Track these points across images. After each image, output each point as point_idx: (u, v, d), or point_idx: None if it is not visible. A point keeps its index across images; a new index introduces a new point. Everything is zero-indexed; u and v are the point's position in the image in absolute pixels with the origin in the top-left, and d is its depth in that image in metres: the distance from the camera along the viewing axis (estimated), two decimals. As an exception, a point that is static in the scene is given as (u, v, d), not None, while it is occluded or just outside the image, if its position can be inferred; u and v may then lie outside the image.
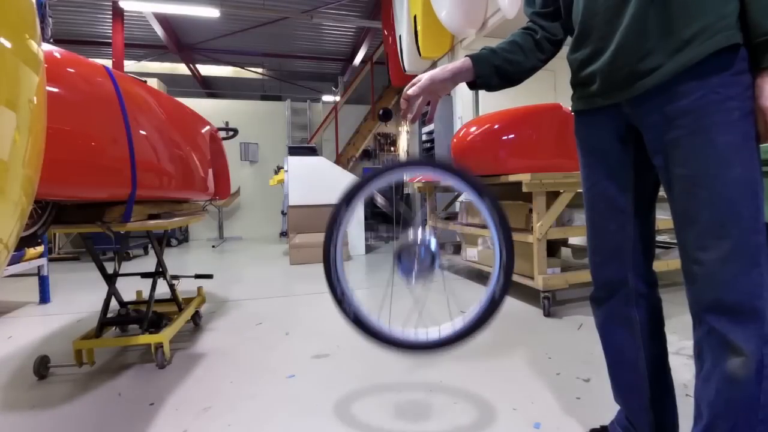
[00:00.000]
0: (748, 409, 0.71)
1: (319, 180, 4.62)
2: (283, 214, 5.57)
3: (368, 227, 5.86)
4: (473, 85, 0.98)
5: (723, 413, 0.73)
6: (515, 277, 2.47)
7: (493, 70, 0.95)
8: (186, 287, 3.05)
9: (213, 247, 6.42)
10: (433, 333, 0.92)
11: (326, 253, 0.89)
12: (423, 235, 0.90)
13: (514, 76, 0.98)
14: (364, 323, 0.92)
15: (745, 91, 0.70)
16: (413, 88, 0.95)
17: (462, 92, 4.57)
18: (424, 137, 5.60)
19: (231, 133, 2.79)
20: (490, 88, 0.99)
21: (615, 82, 0.81)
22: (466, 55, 0.96)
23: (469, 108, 4.52)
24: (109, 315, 1.79)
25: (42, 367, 1.60)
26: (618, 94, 0.82)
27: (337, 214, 0.88)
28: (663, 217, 2.40)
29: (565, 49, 0.96)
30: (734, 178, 0.70)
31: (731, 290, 0.71)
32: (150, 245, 5.38)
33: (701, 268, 0.73)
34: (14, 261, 2.56)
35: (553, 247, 2.59)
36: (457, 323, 0.91)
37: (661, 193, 0.89)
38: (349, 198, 0.88)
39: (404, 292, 0.89)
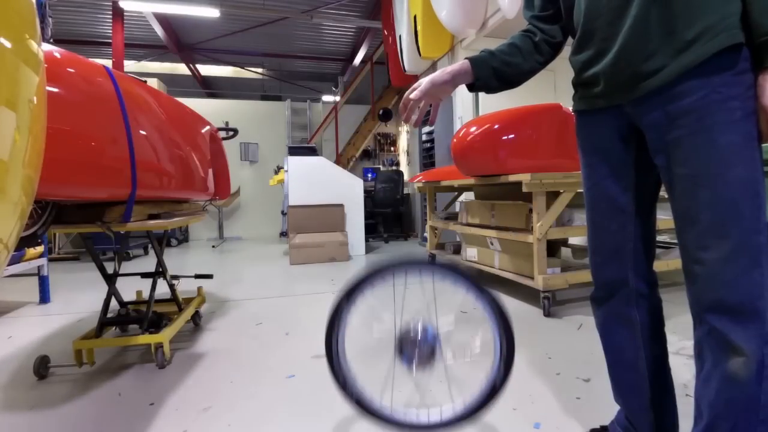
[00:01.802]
0: (748, 409, 0.71)
1: (319, 180, 4.62)
2: (283, 214, 5.57)
3: (368, 228, 5.86)
4: (472, 87, 0.99)
5: (723, 413, 0.73)
6: (515, 277, 2.47)
7: (491, 72, 0.96)
8: (186, 287, 3.06)
9: (213, 247, 6.42)
10: (435, 415, 0.94)
11: (328, 343, 0.91)
12: (423, 327, 0.91)
13: (513, 78, 0.98)
14: (366, 406, 0.94)
15: (747, 90, 0.70)
16: (415, 92, 0.96)
17: (462, 93, 4.57)
18: (424, 137, 5.62)
19: (231, 133, 2.79)
20: (489, 90, 1.00)
21: (618, 83, 0.81)
22: (465, 58, 0.96)
23: (469, 108, 4.52)
24: (109, 315, 1.79)
25: (42, 367, 1.60)
26: (621, 95, 0.82)
27: (338, 307, 0.90)
28: (663, 217, 2.41)
29: (565, 49, 0.96)
30: (735, 178, 0.70)
31: (732, 290, 0.70)
32: (150, 245, 5.39)
33: (702, 268, 0.73)
34: (14, 261, 2.56)
35: (553, 247, 2.59)
36: (458, 407, 0.94)
37: (662, 193, 0.89)
38: (350, 293, 0.90)
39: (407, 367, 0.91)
